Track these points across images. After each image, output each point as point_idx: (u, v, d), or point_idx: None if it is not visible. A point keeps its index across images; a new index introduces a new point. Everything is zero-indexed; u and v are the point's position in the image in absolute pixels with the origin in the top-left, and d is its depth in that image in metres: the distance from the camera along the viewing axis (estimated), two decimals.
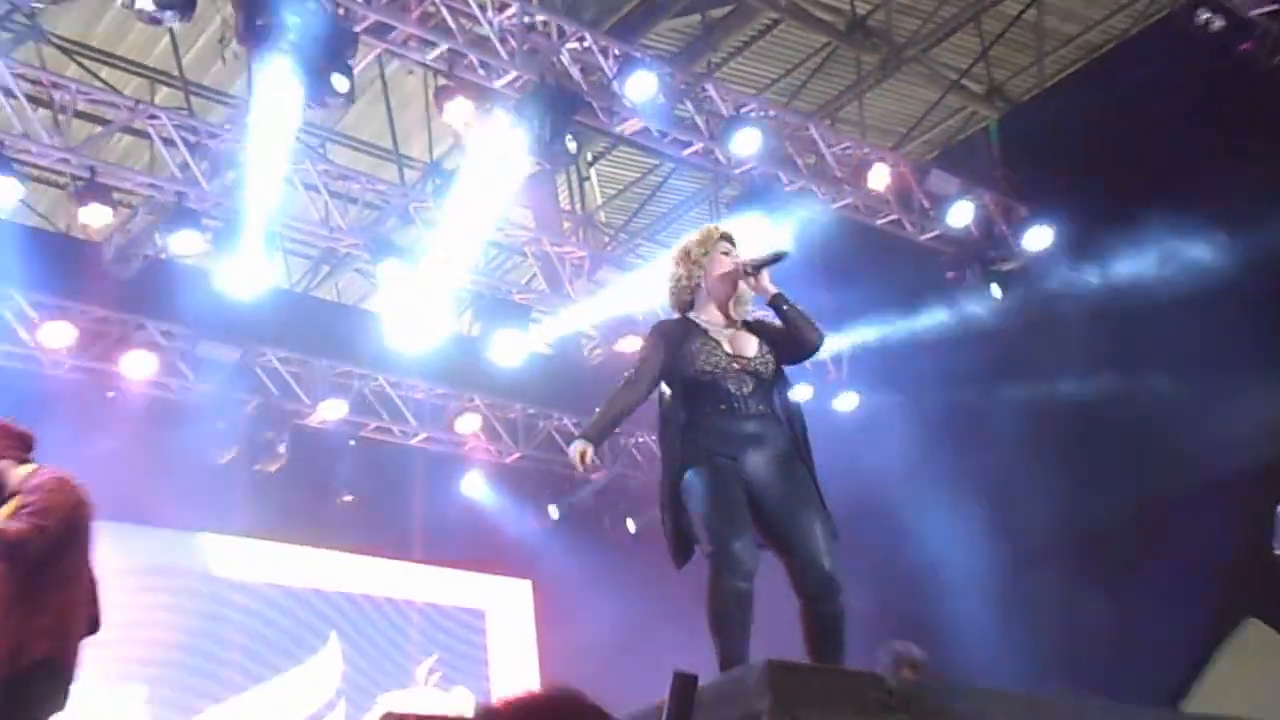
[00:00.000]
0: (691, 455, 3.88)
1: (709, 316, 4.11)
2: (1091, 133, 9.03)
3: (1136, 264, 8.92)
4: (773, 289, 4.09)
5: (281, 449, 9.57)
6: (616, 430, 4.27)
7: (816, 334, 4.09)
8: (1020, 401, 9.36)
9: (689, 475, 3.86)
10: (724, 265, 4.12)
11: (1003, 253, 9.76)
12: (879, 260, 9.73)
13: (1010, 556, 8.88)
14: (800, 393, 4.41)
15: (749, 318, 4.18)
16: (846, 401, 10.37)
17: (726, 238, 4.21)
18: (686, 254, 4.17)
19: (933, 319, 9.83)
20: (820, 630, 3.77)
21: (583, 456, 3.98)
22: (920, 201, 9.67)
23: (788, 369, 4.12)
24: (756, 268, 4.09)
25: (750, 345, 4.06)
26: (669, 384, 4.03)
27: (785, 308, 4.08)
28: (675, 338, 4.04)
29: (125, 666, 9.22)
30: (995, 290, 9.73)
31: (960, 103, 10.42)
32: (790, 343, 4.10)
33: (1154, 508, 8.52)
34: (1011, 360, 9.49)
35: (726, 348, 4.02)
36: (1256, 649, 8.43)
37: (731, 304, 4.12)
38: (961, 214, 9.61)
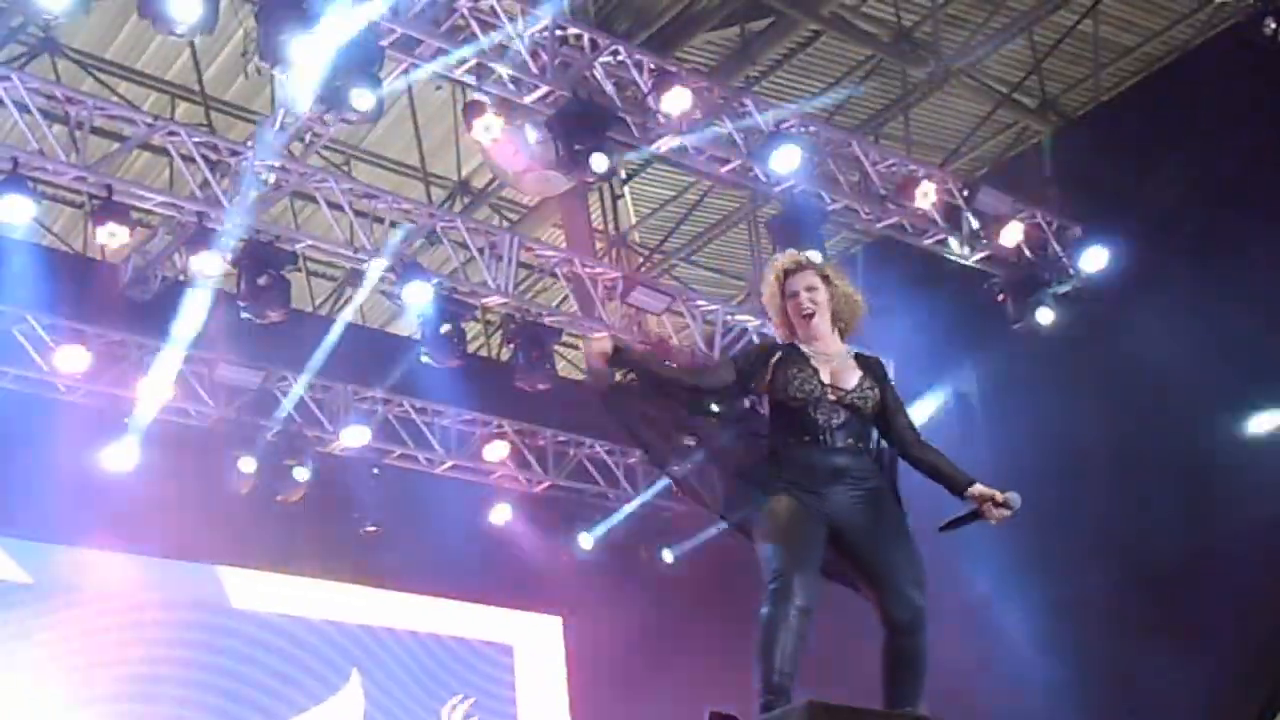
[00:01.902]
0: (772, 485, 3.83)
1: (815, 345, 3.98)
2: (1150, 149, 8.72)
3: (1197, 289, 8.51)
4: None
5: (303, 478, 9.33)
6: (644, 383, 3.98)
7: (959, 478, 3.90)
8: (1069, 434, 9.00)
9: (767, 504, 3.80)
10: (795, 307, 3.97)
11: (1056, 275, 9.39)
12: (925, 283, 9.38)
13: (1055, 596, 8.53)
14: None
15: (862, 350, 4.05)
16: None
17: (789, 271, 4.03)
18: (763, 296, 4.12)
19: (983, 343, 9.49)
20: (904, 663, 3.75)
21: (601, 352, 3.86)
22: (969, 221, 9.34)
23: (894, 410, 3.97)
24: (952, 527, 3.92)
25: (852, 378, 3.93)
26: (768, 405, 3.95)
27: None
28: (777, 359, 3.94)
29: (141, 705, 9.06)
30: (1047, 314, 9.36)
31: (1011, 117, 10.16)
32: (888, 431, 3.97)
33: (1218, 549, 8.14)
34: (1062, 390, 9.12)
35: (824, 377, 3.90)
36: None
37: (823, 336, 3.99)
38: (1012, 234, 9.30)
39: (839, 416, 3.83)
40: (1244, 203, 8.27)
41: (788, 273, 4.00)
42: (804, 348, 3.95)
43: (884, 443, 3.94)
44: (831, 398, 3.85)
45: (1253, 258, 8.02)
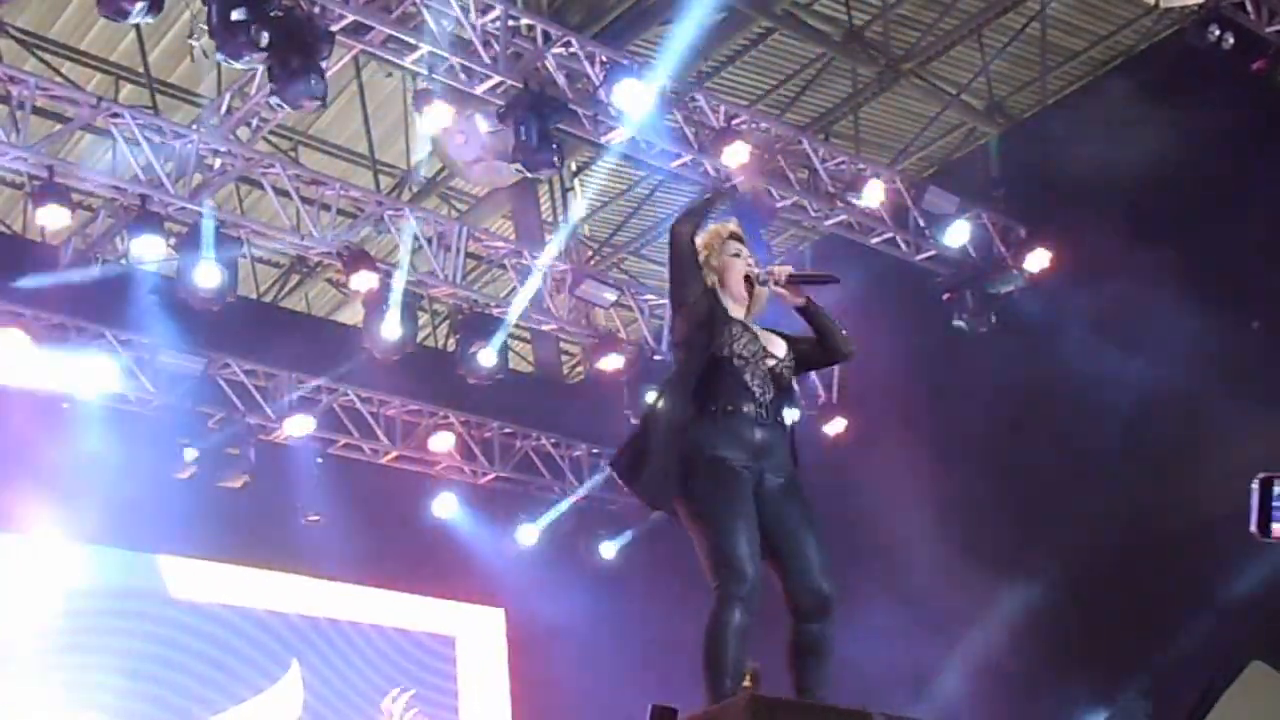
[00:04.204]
0: (709, 447, 3.69)
1: (735, 310, 3.94)
2: (1095, 151, 8.78)
3: (1139, 287, 8.63)
4: (802, 298, 3.92)
5: (245, 466, 9.22)
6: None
7: (848, 342, 3.96)
8: (1015, 429, 9.10)
9: (704, 477, 3.68)
10: (737, 267, 3.94)
11: (1000, 275, 9.47)
12: (872, 281, 9.44)
13: (1004, 592, 8.63)
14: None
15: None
16: (835, 426, 10.09)
17: (736, 237, 4.01)
18: (695, 242, 3.99)
19: (927, 342, 9.56)
20: (809, 649, 3.69)
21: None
22: (916, 220, 9.43)
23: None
24: (799, 281, 3.94)
25: (779, 346, 3.91)
26: (690, 354, 3.83)
27: (817, 314, 3.92)
28: (714, 311, 3.85)
29: (77, 693, 8.92)
30: (991, 314, 9.47)
31: (959, 118, 10.22)
32: (819, 352, 3.97)
33: (1155, 546, 8.26)
34: (1006, 386, 9.21)
35: (762, 341, 3.88)
36: (1260, 691, 8.20)
37: (749, 307, 3.96)
38: (958, 234, 9.39)
39: (770, 389, 3.78)
40: (1187, 204, 8.38)
41: (734, 236, 3.99)
42: (731, 309, 3.89)
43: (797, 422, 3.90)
44: (769, 363, 3.81)
45: (1195, 257, 8.14)
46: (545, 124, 7.86)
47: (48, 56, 9.25)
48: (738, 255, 3.93)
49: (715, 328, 3.80)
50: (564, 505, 10.62)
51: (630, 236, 11.58)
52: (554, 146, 7.98)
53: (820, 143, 9.46)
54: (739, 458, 3.69)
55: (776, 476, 3.74)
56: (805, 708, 3.62)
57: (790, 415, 3.85)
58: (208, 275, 8.08)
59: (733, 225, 4.02)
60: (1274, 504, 1.95)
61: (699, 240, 3.94)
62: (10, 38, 8.87)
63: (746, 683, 3.88)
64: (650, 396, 4.01)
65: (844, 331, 3.94)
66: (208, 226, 8.04)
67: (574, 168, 10.98)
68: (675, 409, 3.77)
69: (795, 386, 3.91)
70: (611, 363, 9.65)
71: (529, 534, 10.59)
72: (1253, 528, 1.94)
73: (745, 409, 3.73)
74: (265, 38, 6.89)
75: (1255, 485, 2.01)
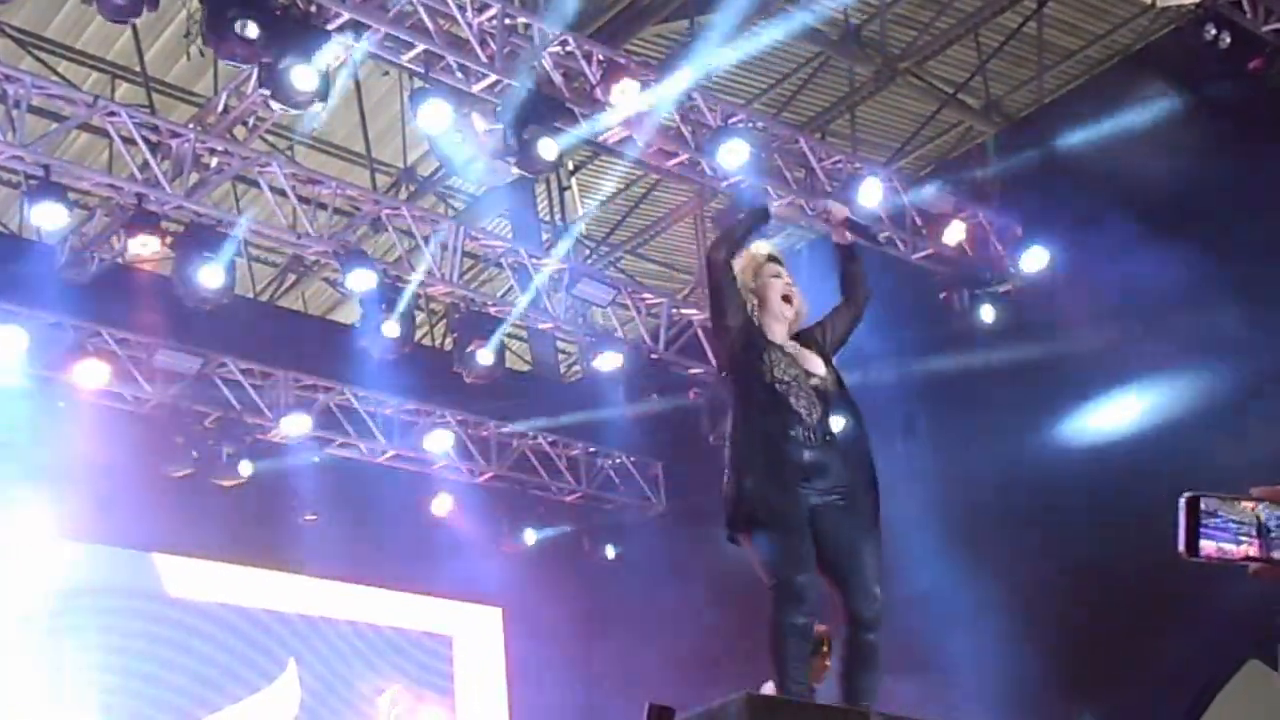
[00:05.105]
0: (758, 473, 3.81)
1: (776, 333, 4.02)
2: (1092, 151, 8.77)
3: (1135, 286, 8.63)
4: (848, 240, 4.15)
5: (241, 465, 9.21)
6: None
7: (868, 295, 4.13)
8: (1011, 430, 9.10)
9: (756, 504, 3.80)
10: (777, 288, 4.03)
11: (997, 274, 9.46)
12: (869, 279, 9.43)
13: (1008, 591, 8.62)
14: None
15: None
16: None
17: (774, 259, 4.12)
18: (734, 268, 4.08)
19: (923, 341, 9.55)
20: (865, 659, 3.78)
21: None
22: (913, 219, 9.40)
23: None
24: (853, 228, 4.15)
25: (817, 364, 3.98)
26: (736, 381, 3.94)
27: (855, 258, 4.11)
28: (752, 338, 3.94)
29: (74, 691, 8.93)
30: (988, 313, 9.45)
31: (956, 117, 10.20)
32: (841, 316, 4.09)
33: (1154, 544, 8.24)
34: (1004, 384, 9.21)
35: (802, 363, 3.95)
36: (1257, 690, 8.21)
37: (786, 325, 4.04)
38: (955, 233, 9.36)
39: (817, 408, 3.85)
40: (1186, 203, 8.37)
41: (771, 258, 4.07)
42: (769, 335, 3.96)
43: (861, 432, 3.95)
44: (813, 382, 3.88)
45: (1187, 252, 8.14)
46: (542, 123, 7.85)
47: (44, 55, 9.24)
48: (777, 276, 4.01)
49: (755, 355, 3.88)
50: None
51: (628, 235, 11.57)
52: (550, 145, 7.96)
53: (817, 142, 9.44)
54: (790, 481, 3.77)
55: (831, 495, 3.81)
56: (804, 707, 3.66)
57: (836, 425, 3.89)
58: (213, 276, 8.08)
59: (769, 247, 4.13)
60: (1202, 523, 1.95)
61: (736, 265, 4.01)
62: (6, 36, 8.86)
63: (825, 648, 4.26)
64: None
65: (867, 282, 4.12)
66: (231, 246, 8.08)
67: (571, 166, 10.98)
68: (731, 438, 3.90)
69: (846, 397, 3.97)
70: (608, 361, 9.64)
71: (531, 535, 10.60)
72: (1180, 548, 1.94)
73: (793, 432, 3.81)
74: (261, 37, 6.88)
75: (1182, 503, 2.00)
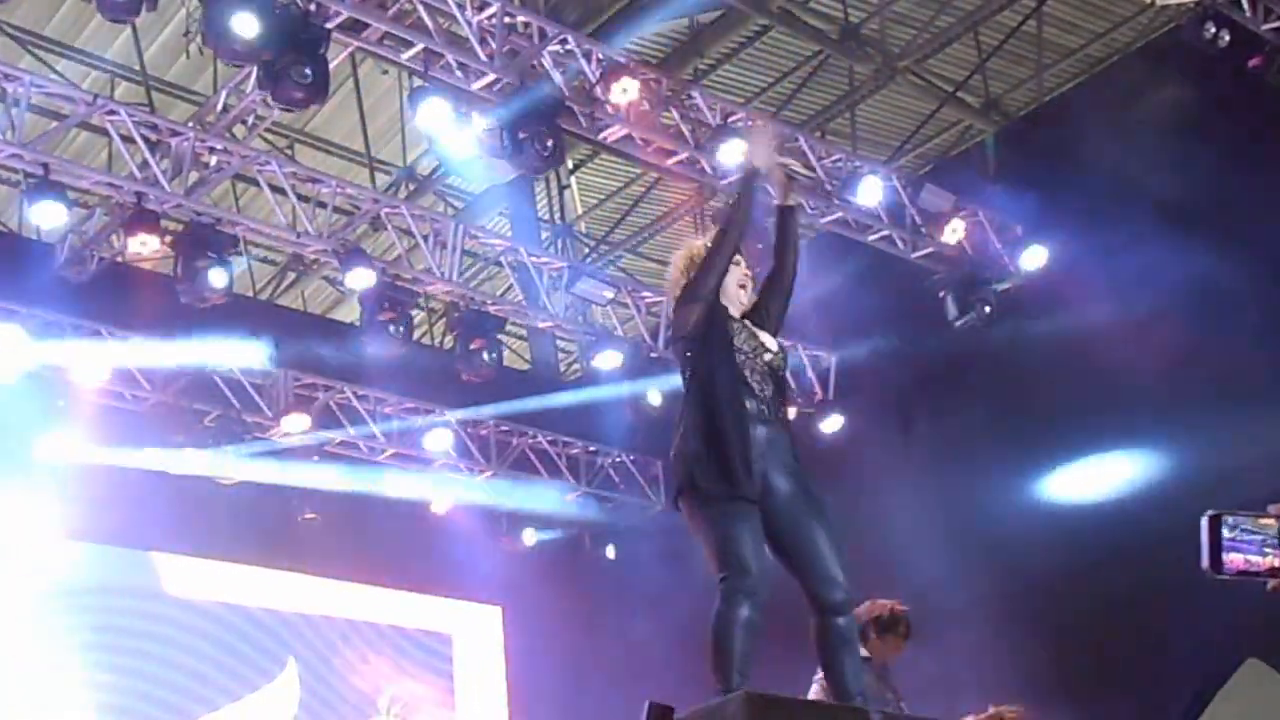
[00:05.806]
0: (712, 445, 3.73)
1: (734, 312, 3.98)
2: (1092, 149, 8.77)
3: (1136, 284, 8.63)
4: (794, 200, 4.08)
5: (241, 464, 9.20)
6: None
7: (798, 258, 4.06)
8: (1011, 428, 9.10)
9: (708, 476, 3.72)
10: (735, 274, 3.97)
11: (997, 273, 9.46)
12: (868, 278, 9.44)
13: (1005, 588, 8.62)
14: None
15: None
16: (832, 424, 10.07)
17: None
18: (693, 263, 4.03)
19: (922, 339, 9.55)
20: (842, 643, 3.73)
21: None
22: (912, 217, 9.39)
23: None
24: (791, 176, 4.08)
25: (770, 340, 3.94)
26: (696, 350, 3.86)
27: (793, 222, 4.04)
28: (716, 308, 3.88)
29: (72, 691, 8.92)
30: (988, 311, 9.44)
31: (956, 116, 10.23)
32: (774, 283, 4.02)
33: (1153, 542, 8.25)
34: (1004, 386, 9.21)
35: (758, 336, 3.92)
36: (1256, 689, 8.22)
37: (739, 311, 4.00)
38: (954, 231, 9.35)
39: (769, 385, 3.82)
40: (1185, 202, 8.37)
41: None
42: (727, 308, 3.93)
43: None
44: (766, 357, 3.85)
45: (1187, 251, 8.13)
46: (542, 121, 7.85)
47: (43, 54, 9.25)
48: (736, 264, 3.98)
49: (720, 321, 3.85)
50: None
51: (627, 234, 11.58)
52: (550, 144, 7.96)
53: (817, 140, 9.44)
54: (743, 455, 3.70)
55: (781, 474, 3.76)
56: (802, 706, 3.66)
57: (784, 405, 3.87)
58: (219, 277, 8.09)
59: None
60: (1224, 540, 1.97)
61: (701, 244, 4.01)
62: (6, 35, 8.86)
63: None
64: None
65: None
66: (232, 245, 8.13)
67: (570, 165, 10.98)
68: (691, 407, 3.82)
69: (789, 382, 3.95)
70: (608, 360, 9.64)
71: (531, 534, 10.60)
72: (1205, 564, 1.95)
73: (748, 405, 3.76)
74: (261, 35, 6.88)
75: (1204, 522, 2.02)
